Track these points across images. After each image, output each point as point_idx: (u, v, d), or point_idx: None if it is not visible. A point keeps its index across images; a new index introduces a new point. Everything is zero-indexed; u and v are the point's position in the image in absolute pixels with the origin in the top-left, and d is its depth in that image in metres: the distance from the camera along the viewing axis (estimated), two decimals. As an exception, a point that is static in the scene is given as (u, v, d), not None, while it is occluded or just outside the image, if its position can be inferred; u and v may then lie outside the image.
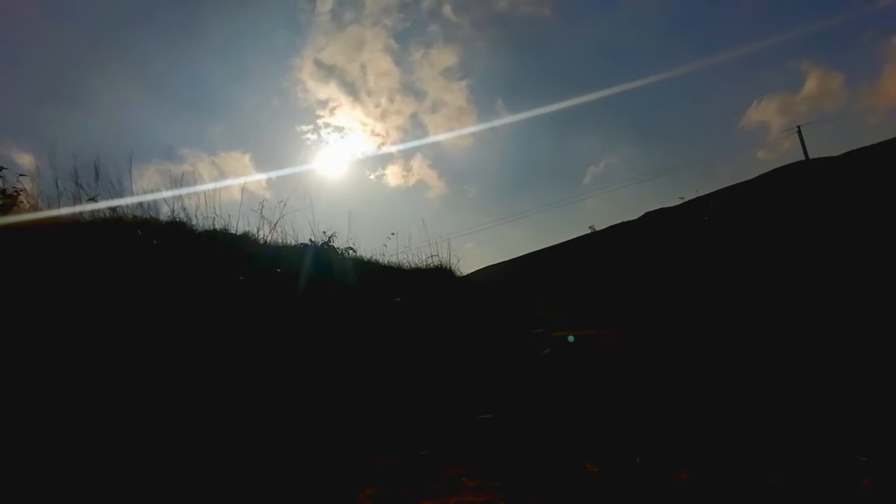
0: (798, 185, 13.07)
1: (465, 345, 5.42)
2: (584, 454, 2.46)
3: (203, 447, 2.74)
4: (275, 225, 5.51)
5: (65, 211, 4.01)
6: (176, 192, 4.80)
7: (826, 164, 14.40)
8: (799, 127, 24.12)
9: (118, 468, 2.42)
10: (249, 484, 2.52)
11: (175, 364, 3.11)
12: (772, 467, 2.04)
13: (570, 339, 5.54)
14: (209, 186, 5.01)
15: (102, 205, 4.31)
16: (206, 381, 3.14)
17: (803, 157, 21.24)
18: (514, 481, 2.26)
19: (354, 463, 2.80)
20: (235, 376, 3.30)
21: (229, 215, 5.11)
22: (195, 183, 5.09)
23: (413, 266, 7.52)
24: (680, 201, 17.68)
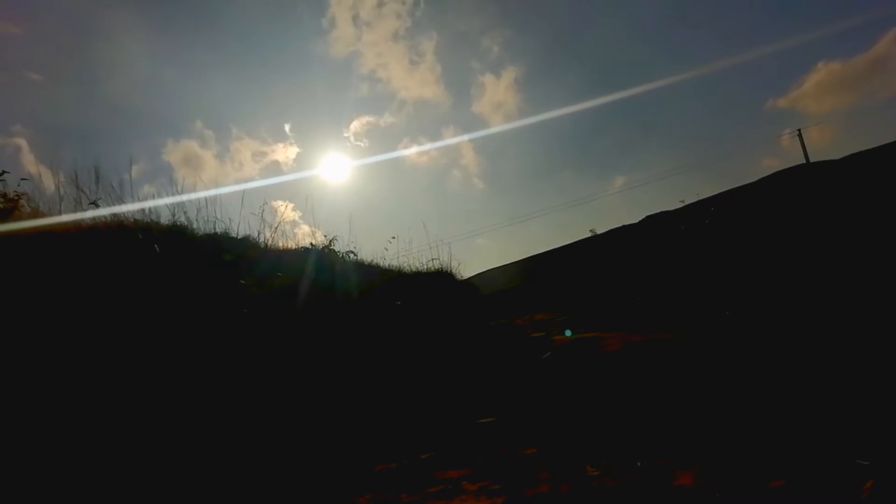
0: (798, 187, 13.08)
1: (466, 348, 5.42)
2: (584, 457, 2.46)
3: (204, 453, 2.74)
4: (275, 228, 5.53)
5: (66, 217, 4.02)
6: (177, 198, 4.81)
7: (827, 168, 14.42)
8: (800, 130, 24.25)
9: (119, 470, 2.42)
10: (250, 489, 2.51)
11: (176, 369, 3.11)
12: (773, 470, 2.03)
13: (568, 332, 5.54)
14: (210, 192, 5.02)
15: (104, 211, 4.31)
16: (207, 387, 3.14)
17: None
18: (514, 485, 2.26)
19: (355, 467, 2.79)
20: (237, 381, 3.30)
21: (230, 219, 5.11)
22: (195, 185, 5.11)
23: (414, 270, 7.54)
24: (681, 204, 17.74)
